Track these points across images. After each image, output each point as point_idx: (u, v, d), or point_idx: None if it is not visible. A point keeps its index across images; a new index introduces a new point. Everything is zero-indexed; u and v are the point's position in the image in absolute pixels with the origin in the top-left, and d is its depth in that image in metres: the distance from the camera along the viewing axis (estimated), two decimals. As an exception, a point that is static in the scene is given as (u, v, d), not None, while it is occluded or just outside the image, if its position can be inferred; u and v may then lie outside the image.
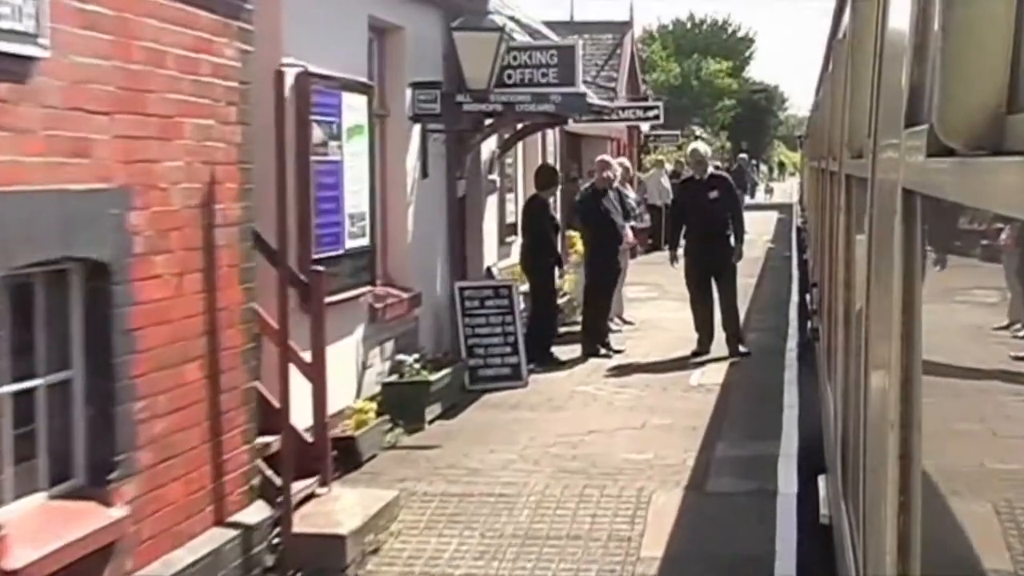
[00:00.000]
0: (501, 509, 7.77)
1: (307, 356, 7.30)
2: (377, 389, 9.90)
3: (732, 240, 13.31)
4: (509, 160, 15.23)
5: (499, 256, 14.33)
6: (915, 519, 1.95)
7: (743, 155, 46.52)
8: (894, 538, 2.04)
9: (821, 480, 5.68)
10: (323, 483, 7.40)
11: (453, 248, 12.31)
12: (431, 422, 10.02)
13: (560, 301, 14.57)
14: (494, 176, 14.04)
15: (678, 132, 38.79)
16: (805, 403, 10.05)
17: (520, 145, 15.51)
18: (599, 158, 14.49)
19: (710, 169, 13.85)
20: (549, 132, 17.13)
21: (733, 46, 63.91)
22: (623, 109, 23.16)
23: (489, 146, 13.37)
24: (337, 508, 7.20)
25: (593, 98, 15.90)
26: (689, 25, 63.87)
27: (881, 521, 2.23)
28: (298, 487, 7.02)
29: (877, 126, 2.65)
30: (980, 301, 1.59)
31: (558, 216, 15.15)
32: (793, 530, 7.11)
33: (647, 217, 21.89)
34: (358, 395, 9.61)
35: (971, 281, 1.65)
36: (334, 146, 8.99)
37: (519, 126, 13.74)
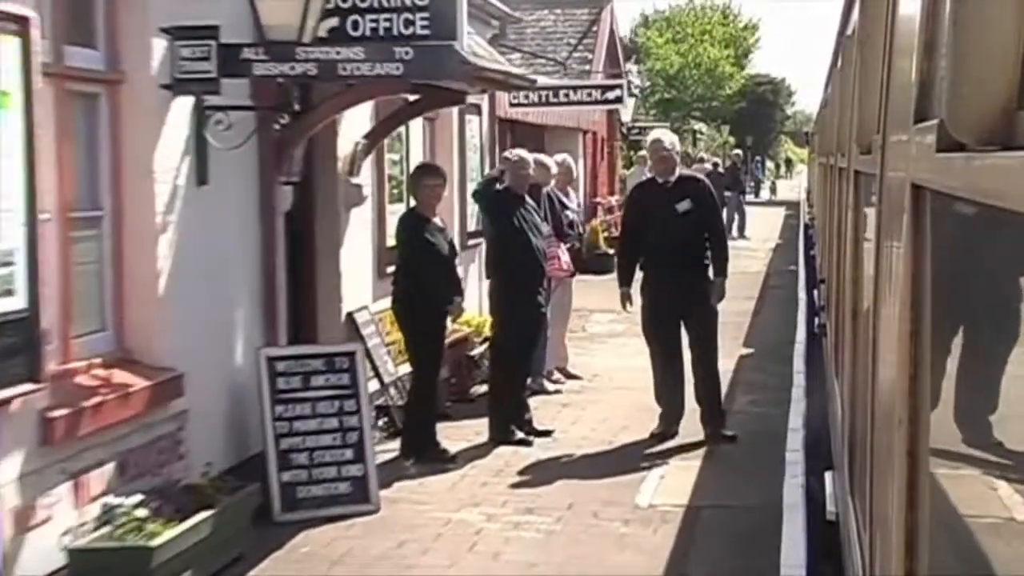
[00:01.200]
0: None
1: None
2: (59, 561, 5.73)
3: (710, 271, 9.21)
4: (395, 156, 10.67)
5: (376, 295, 9.78)
6: (922, 515, 1.95)
7: (737, 151, 41.13)
8: (901, 534, 2.03)
9: (828, 476, 5.67)
10: None
11: (268, 291, 7.92)
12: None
13: (476, 351, 10.83)
14: (359, 180, 9.43)
15: (667, 125, 36.39)
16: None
17: (424, 134, 11.70)
18: (508, 152, 10.37)
19: (680, 170, 9.50)
20: (473, 119, 13.03)
21: (736, 33, 58.91)
22: (574, 89, 17.81)
23: (352, 135, 9.33)
24: None
25: (494, 61, 11.01)
26: (688, 10, 58.19)
27: (888, 517, 2.22)
28: None
29: (886, 121, 2.64)
30: (989, 296, 1.59)
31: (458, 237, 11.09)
32: None
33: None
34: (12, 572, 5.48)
35: (980, 276, 1.64)
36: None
37: (409, 102, 9.47)
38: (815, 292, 11.33)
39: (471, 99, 11.48)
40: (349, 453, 7.51)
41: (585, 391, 11.19)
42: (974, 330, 1.71)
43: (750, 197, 44.05)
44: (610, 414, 10.11)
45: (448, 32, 7.62)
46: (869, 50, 3.67)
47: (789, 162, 79.51)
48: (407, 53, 7.13)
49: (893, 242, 2.34)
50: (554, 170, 11.14)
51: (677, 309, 9.10)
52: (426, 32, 7.61)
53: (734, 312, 13.05)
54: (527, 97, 16.26)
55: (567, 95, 17.42)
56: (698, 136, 49.56)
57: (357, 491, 7.46)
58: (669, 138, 9.67)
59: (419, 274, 8.64)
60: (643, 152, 31.33)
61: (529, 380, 10.20)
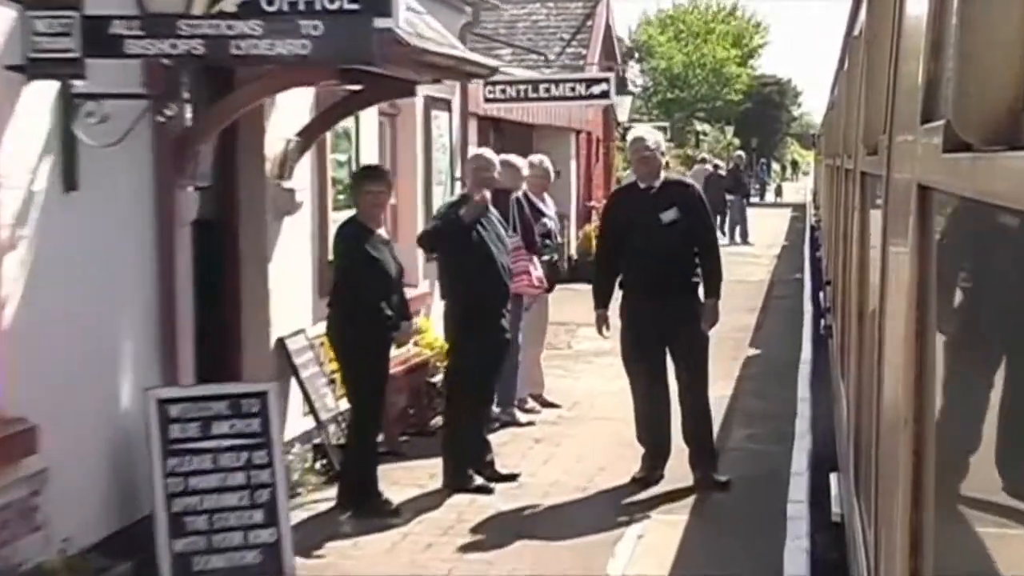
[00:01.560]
0: None
1: None
2: None
3: (701, 291, 8.01)
4: (341, 156, 9.42)
5: (317, 317, 8.32)
6: (928, 516, 1.95)
7: (740, 152, 38.07)
8: (907, 535, 2.03)
9: (833, 478, 5.67)
10: None
11: (165, 318, 6.65)
12: None
13: (438, 377, 9.25)
14: (292, 184, 8.11)
15: (667, 124, 34.81)
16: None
17: (382, 131, 10.36)
18: (474, 153, 9.26)
19: (666, 174, 8.38)
20: (441, 115, 11.61)
21: (743, 30, 57.12)
22: (556, 83, 15.94)
23: (283, 131, 8.02)
24: None
25: (448, 46, 9.17)
26: (692, 8, 56.48)
27: (894, 518, 2.22)
28: None
29: (893, 122, 2.64)
30: (995, 297, 1.59)
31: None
32: None
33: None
34: None
35: (987, 277, 1.64)
36: None
37: (352, 93, 8.13)
38: (821, 294, 11.32)
39: (437, 93, 10.66)
40: (259, 515, 6.09)
41: (562, 422, 9.76)
42: (980, 331, 1.71)
43: (755, 199, 43.41)
44: (587, 451, 8.78)
45: (381, 6, 6.22)
46: (876, 51, 3.67)
47: (795, 164, 79.18)
48: (316, 28, 5.80)
49: (899, 243, 2.34)
50: (526, 172, 9.74)
51: (662, 335, 7.81)
52: (354, 7, 6.21)
53: (733, 327, 12.14)
54: (504, 92, 14.80)
55: (548, 90, 15.56)
56: (701, 137, 49.06)
57: (268, 561, 6.04)
58: (653, 136, 8.31)
59: (358, 294, 7.39)
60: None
61: (498, 410, 9.21)
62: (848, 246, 5.21)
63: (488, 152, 8.86)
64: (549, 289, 9.94)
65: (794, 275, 19.80)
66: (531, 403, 10.00)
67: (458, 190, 10.86)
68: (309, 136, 8.17)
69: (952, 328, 1.87)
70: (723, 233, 28.94)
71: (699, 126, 50.04)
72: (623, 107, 23.37)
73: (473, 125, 13.80)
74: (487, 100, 14.35)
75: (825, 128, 16.05)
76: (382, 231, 7.76)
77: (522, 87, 15.34)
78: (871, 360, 3.19)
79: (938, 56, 1.90)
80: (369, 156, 9.75)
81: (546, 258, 9.78)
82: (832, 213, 9.09)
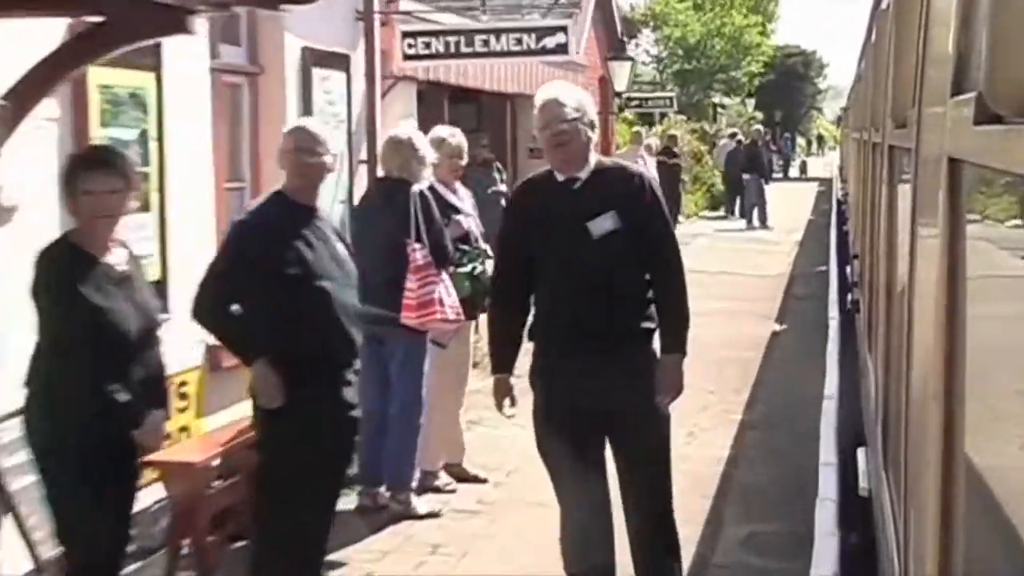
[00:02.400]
0: None
1: None
2: None
3: (655, 342, 5.09)
4: (123, 133, 6.40)
5: None
6: (958, 490, 1.94)
7: (758, 127, 33.58)
8: (936, 509, 2.03)
9: (860, 453, 5.67)
10: None
11: None
12: None
13: (230, 482, 5.99)
14: None
15: (672, 95, 31.05)
16: None
17: (220, 97, 7.48)
18: (293, 126, 5.63)
19: (595, 157, 5.14)
20: (333, 75, 8.80)
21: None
22: (495, 34, 11.19)
23: None
24: None
25: None
26: None
27: (923, 493, 2.22)
28: None
29: (922, 95, 2.63)
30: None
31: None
32: None
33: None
34: None
35: (1017, 251, 1.63)
36: None
37: (87, 32, 4.94)
38: (848, 268, 11.26)
39: (324, 44, 8.25)
40: None
41: (483, 509, 6.83)
42: (1010, 304, 1.70)
43: (778, 175, 41.62)
44: (509, 566, 5.88)
45: None
46: (904, 22, 3.65)
47: (821, 139, 78.21)
48: None
49: (928, 217, 2.33)
50: (426, 154, 6.68)
51: (594, 411, 4.93)
52: None
53: (740, 344, 9.61)
54: (427, 46, 10.87)
55: (486, 42, 11.11)
56: (719, 111, 47.70)
57: None
58: (572, 96, 5.01)
59: (63, 364, 4.51)
60: (637, 128, 25.31)
61: (387, 495, 6.68)
62: (876, 220, 5.19)
63: (311, 124, 5.58)
64: (472, 316, 7.11)
65: (818, 267, 16.42)
66: (443, 478, 7.18)
67: (361, 181, 8.70)
68: (23, 100, 4.88)
69: (982, 302, 1.87)
70: (738, 215, 27.47)
71: (717, 98, 48.54)
72: (621, 75, 20.61)
73: (409, 91, 10.99)
74: (406, 57, 10.66)
75: (851, 102, 15.94)
76: (116, 256, 4.72)
77: (449, 40, 11.09)
78: (900, 335, 3.18)
79: (968, 27, 1.89)
80: (186, 133, 6.87)
81: (465, 270, 7.01)
82: (859, 187, 9.05)
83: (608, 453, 5.14)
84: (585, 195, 5.03)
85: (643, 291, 5.05)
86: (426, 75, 11.40)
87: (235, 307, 5.10)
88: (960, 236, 1.98)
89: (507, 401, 5.22)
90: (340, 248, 5.27)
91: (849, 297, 9.39)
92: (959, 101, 1.85)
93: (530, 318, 5.19)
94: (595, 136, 5.08)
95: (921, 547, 2.29)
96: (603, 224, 4.96)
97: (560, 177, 5.08)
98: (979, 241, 1.89)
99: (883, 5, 5.28)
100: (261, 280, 4.99)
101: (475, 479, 7.35)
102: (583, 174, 5.05)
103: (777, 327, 11.81)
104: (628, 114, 27.11)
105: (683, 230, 21.40)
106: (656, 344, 5.10)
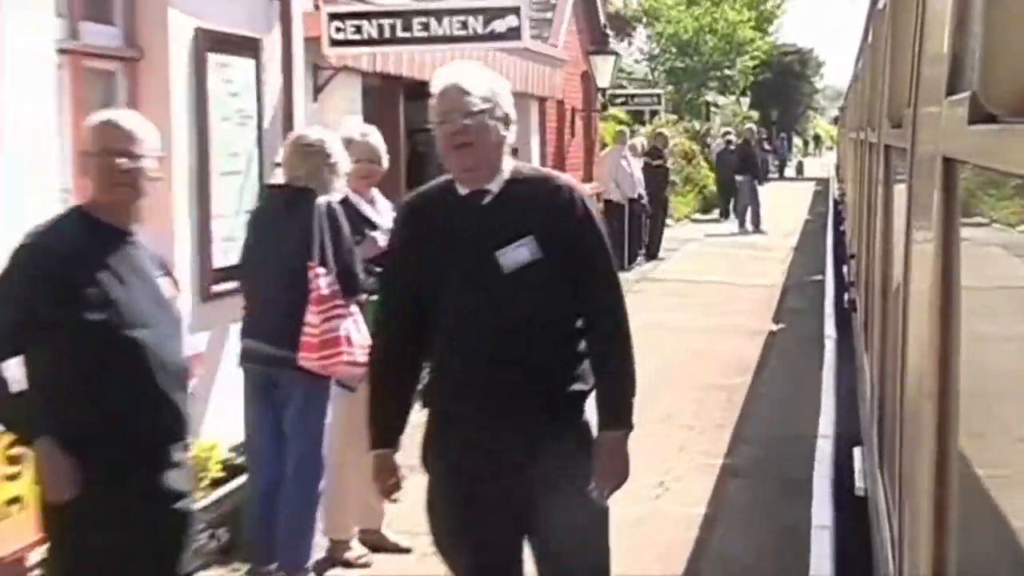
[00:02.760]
0: None
1: None
2: None
3: (586, 409, 3.70)
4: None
5: None
6: (952, 489, 1.95)
7: (751, 126, 32.01)
8: (931, 508, 2.03)
9: (856, 452, 5.67)
10: None
11: None
12: None
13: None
14: None
15: (659, 92, 29.83)
16: None
17: (73, 85, 6.01)
18: (97, 119, 3.97)
19: (511, 164, 3.74)
20: (238, 63, 7.35)
21: None
22: (436, 16, 9.22)
23: None
24: None
25: None
26: None
27: (918, 493, 2.22)
28: None
29: (918, 95, 2.63)
30: (1020, 271, 1.58)
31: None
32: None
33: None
34: None
35: (1012, 251, 1.64)
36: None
37: None
38: (844, 268, 11.25)
39: (223, 26, 7.01)
40: None
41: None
42: (1005, 305, 1.71)
43: (774, 176, 41.03)
44: None
45: None
46: (900, 22, 3.65)
47: (818, 139, 77.83)
48: None
49: (924, 216, 2.33)
50: (339, 160, 5.42)
51: (507, 504, 3.73)
52: None
53: (727, 366, 8.59)
54: (357, 30, 9.07)
55: (426, 26, 9.30)
56: (714, 110, 47.05)
57: None
58: (482, 82, 3.70)
59: None
60: (622, 127, 23.22)
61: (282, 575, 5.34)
62: (872, 220, 5.20)
63: (127, 117, 4.01)
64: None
65: (814, 276, 15.21)
66: (356, 549, 5.80)
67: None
68: None
69: (977, 302, 1.87)
70: (729, 217, 26.58)
71: (711, 96, 47.77)
72: (604, 70, 19.26)
73: (353, 84, 9.51)
74: (333, 43, 8.90)
75: (848, 102, 15.93)
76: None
77: (383, 23, 9.34)
78: (895, 334, 3.19)
79: (964, 28, 1.89)
80: (23, 129, 5.36)
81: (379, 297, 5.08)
82: (856, 187, 9.05)
83: (528, 553, 3.85)
84: (495, 214, 3.72)
85: (572, 344, 3.75)
86: (372, 66, 9.51)
87: (10, 363, 3.72)
88: (955, 235, 1.99)
89: (393, 483, 3.82)
90: (163, 285, 3.92)
91: (846, 296, 9.38)
92: (954, 101, 1.86)
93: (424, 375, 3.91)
94: (511, 135, 3.74)
95: (915, 546, 2.30)
96: (518, 254, 3.68)
97: (463, 190, 3.75)
98: (974, 240, 1.89)
99: (879, 5, 5.28)
100: (49, 328, 3.66)
101: (396, 548, 5.85)
102: (493, 186, 3.73)
103: (775, 327, 11.64)
104: (620, 113, 26.57)
105: (672, 234, 21.03)
106: (591, 414, 3.75)
